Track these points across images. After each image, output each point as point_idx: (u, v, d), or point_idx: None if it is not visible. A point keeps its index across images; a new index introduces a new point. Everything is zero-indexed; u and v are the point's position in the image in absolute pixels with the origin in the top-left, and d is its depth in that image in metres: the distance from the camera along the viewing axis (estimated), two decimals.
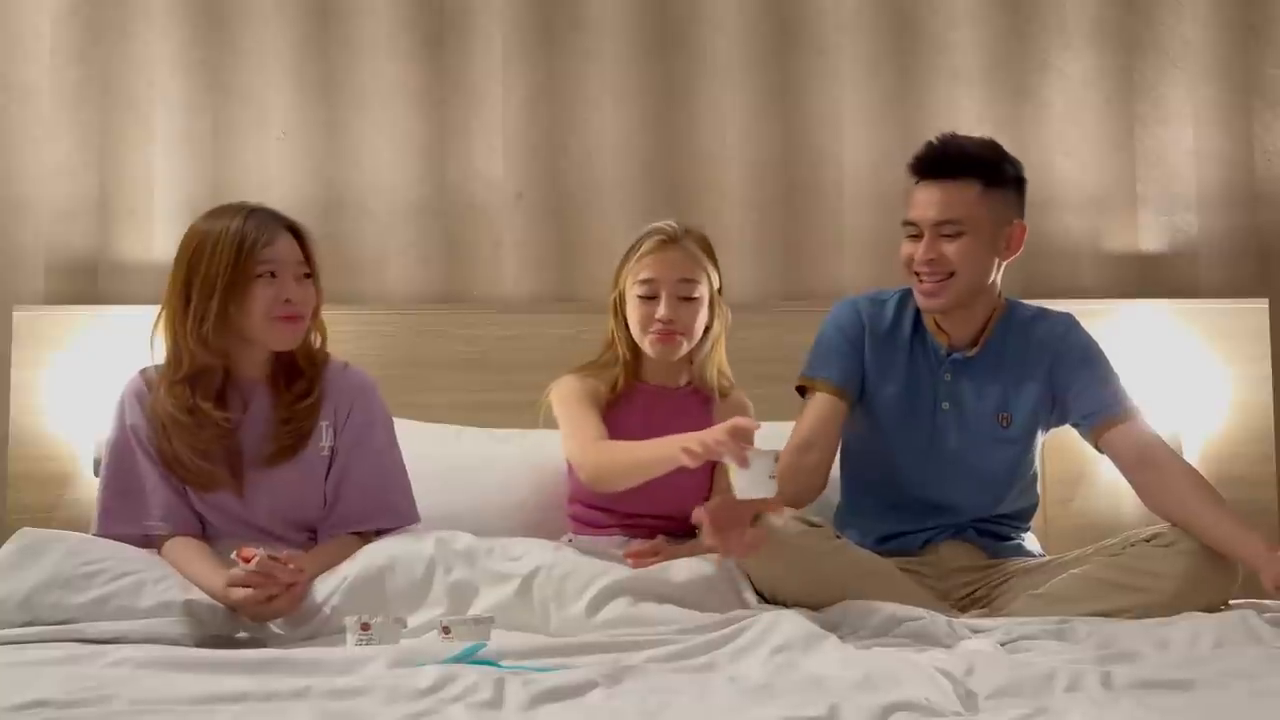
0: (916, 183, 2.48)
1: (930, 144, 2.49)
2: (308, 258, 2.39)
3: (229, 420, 2.33)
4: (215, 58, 3.25)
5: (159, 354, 2.38)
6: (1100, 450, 2.49)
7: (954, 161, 2.45)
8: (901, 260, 2.49)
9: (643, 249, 2.54)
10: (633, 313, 2.54)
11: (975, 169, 2.44)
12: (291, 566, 2.19)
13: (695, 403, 2.61)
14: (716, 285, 2.57)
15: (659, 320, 2.50)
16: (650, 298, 2.51)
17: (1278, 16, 3.40)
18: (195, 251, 2.33)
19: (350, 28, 3.27)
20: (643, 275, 2.52)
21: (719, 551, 2.20)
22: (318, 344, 2.45)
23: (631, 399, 2.58)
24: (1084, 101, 3.36)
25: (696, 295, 2.52)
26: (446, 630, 2.02)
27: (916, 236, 2.46)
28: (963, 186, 2.43)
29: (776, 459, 2.11)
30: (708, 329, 2.58)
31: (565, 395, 2.54)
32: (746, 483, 2.10)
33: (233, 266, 2.30)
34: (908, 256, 2.47)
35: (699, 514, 2.17)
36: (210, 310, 2.30)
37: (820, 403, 2.51)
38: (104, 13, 3.23)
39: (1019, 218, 2.50)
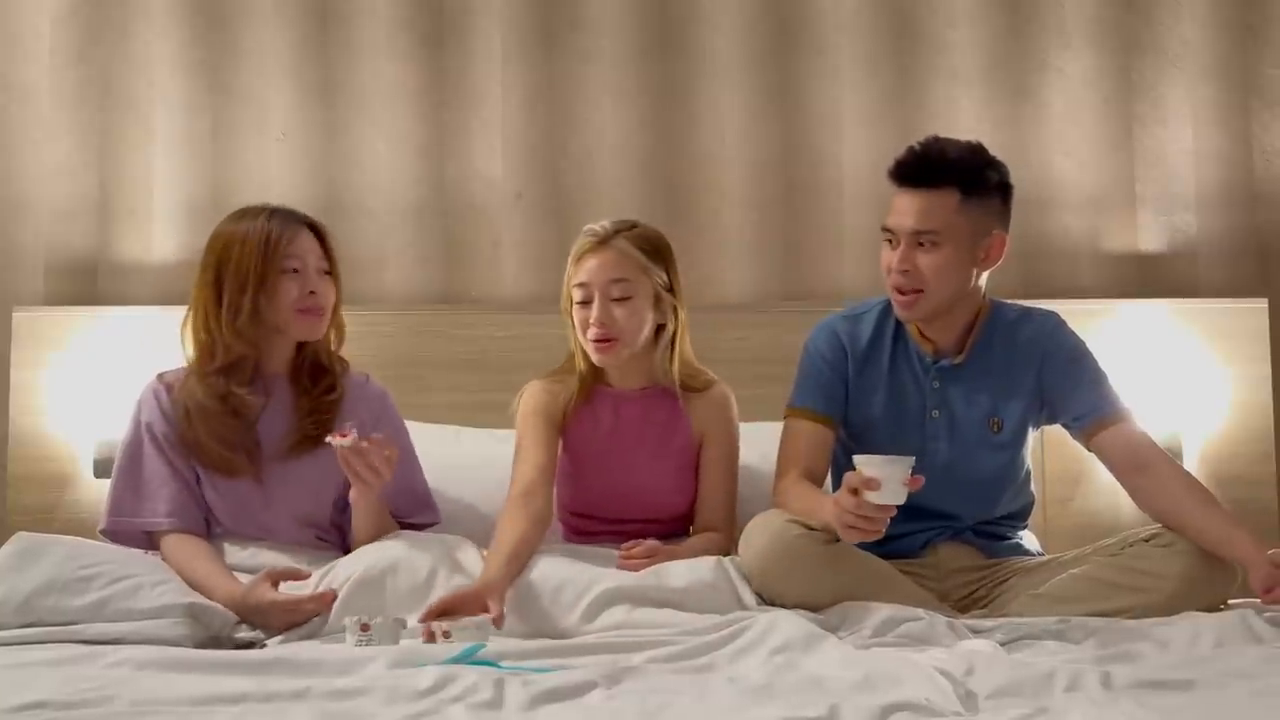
0: (896, 188, 2.44)
1: (911, 149, 2.44)
2: (327, 254, 2.50)
3: (261, 406, 2.43)
4: (215, 58, 3.25)
5: (188, 350, 2.47)
6: (1090, 450, 2.49)
7: (933, 169, 2.40)
8: (882, 267, 2.46)
9: (574, 255, 2.50)
10: (574, 318, 2.50)
11: (954, 177, 2.40)
12: (387, 454, 2.29)
13: (663, 403, 2.56)
14: (664, 283, 2.50)
15: (592, 325, 2.45)
16: (585, 302, 2.46)
17: (1276, 16, 3.40)
18: (224, 250, 2.44)
19: (350, 28, 3.27)
20: (577, 280, 2.48)
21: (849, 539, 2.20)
22: (335, 344, 2.54)
23: (596, 404, 2.55)
24: (1083, 101, 3.36)
25: (630, 295, 2.45)
26: (447, 635, 2.02)
27: (894, 243, 2.43)
28: (941, 195, 2.39)
29: (910, 467, 2.14)
30: (662, 328, 2.52)
31: (522, 416, 2.53)
32: (882, 494, 2.13)
33: (262, 262, 2.41)
34: (886, 264, 2.45)
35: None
36: (244, 304, 2.41)
37: (808, 430, 2.49)
38: (104, 13, 3.23)
39: (1001, 227, 2.46)
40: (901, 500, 2.14)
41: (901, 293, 2.43)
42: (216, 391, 2.41)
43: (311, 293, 2.44)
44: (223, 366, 2.42)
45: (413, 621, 2.14)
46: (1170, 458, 2.50)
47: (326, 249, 2.50)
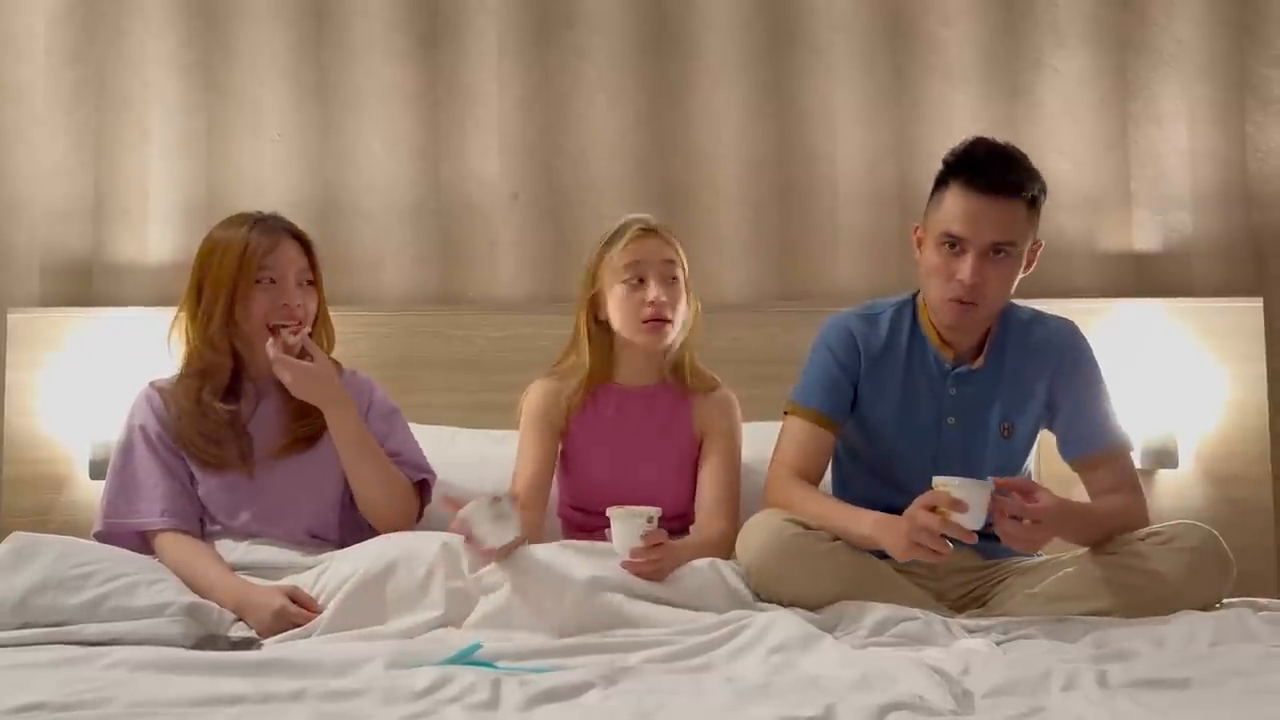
0: (955, 189, 2.34)
1: (983, 153, 2.35)
2: (312, 266, 2.50)
3: (232, 413, 2.45)
4: (210, 59, 3.25)
5: (175, 351, 2.50)
6: (1071, 469, 2.50)
7: (1014, 179, 2.33)
8: (931, 270, 2.38)
9: (625, 239, 2.53)
10: (621, 304, 2.52)
11: (1026, 187, 2.34)
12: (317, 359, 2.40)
13: (669, 400, 2.59)
14: (688, 276, 2.57)
15: (650, 304, 2.48)
16: (639, 283, 2.50)
17: (1271, 16, 3.40)
18: (207, 257, 2.46)
19: (345, 29, 3.27)
20: (627, 261, 2.51)
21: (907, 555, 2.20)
22: (326, 349, 2.53)
23: (602, 400, 2.59)
24: (1078, 100, 3.36)
25: (677, 279, 2.52)
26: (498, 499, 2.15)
27: (959, 251, 2.35)
28: (1016, 204, 2.33)
29: (991, 490, 2.16)
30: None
31: (524, 419, 2.59)
32: (969, 517, 2.15)
33: (236, 272, 2.41)
34: (944, 270, 2.36)
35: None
36: (216, 313, 2.42)
37: (811, 431, 2.47)
38: (99, 13, 3.23)
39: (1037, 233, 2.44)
40: (981, 525, 2.16)
41: (962, 302, 2.37)
42: (193, 396, 2.44)
43: (285, 305, 2.43)
44: (199, 372, 2.46)
45: (409, 621, 2.15)
46: (1135, 493, 2.45)
47: (311, 259, 2.50)
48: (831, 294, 3.23)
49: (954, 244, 2.35)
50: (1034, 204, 2.37)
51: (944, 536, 2.16)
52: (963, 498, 2.14)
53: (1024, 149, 3.21)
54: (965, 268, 2.33)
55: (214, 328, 2.43)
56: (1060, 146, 3.36)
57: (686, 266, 2.57)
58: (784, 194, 3.32)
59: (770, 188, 3.31)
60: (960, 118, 3.30)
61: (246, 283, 2.42)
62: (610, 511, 2.25)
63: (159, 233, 3.21)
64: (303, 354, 2.41)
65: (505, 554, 2.19)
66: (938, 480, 2.18)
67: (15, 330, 3.06)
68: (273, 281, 2.43)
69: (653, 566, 2.22)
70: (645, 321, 2.49)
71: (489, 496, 2.18)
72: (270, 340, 2.38)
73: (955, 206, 2.35)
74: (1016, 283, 2.42)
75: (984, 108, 3.34)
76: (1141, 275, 3.35)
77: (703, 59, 3.32)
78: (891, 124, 3.32)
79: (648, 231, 2.53)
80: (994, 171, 2.33)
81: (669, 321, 2.50)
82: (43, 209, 3.21)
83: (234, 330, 2.44)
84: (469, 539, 2.16)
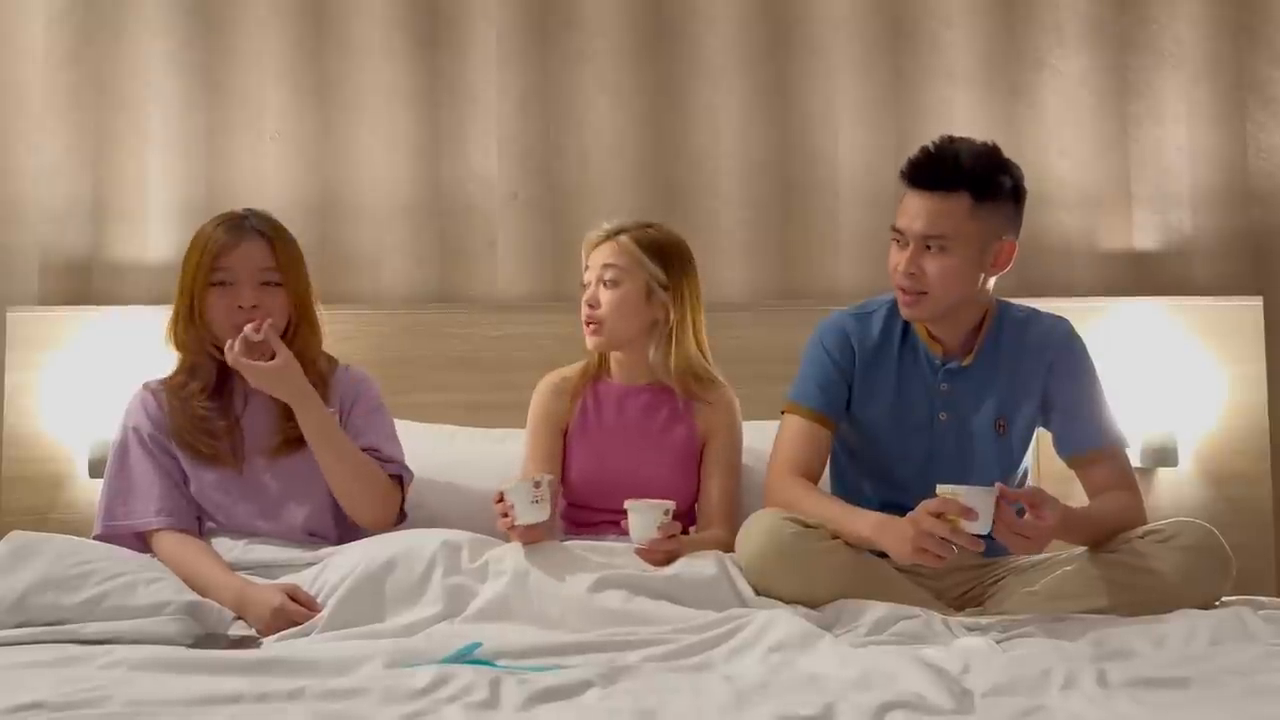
0: (907, 187, 2.43)
1: (925, 150, 2.41)
2: (279, 265, 2.45)
3: (219, 409, 2.45)
4: (210, 59, 3.24)
5: (169, 349, 2.50)
6: (1068, 466, 2.51)
7: (946, 172, 2.37)
8: (889, 266, 2.45)
9: (585, 247, 2.64)
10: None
11: (967, 181, 2.37)
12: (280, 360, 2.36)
13: (666, 400, 2.63)
14: (661, 280, 2.58)
15: (586, 303, 2.58)
16: (583, 286, 2.61)
17: (1271, 16, 3.40)
18: (186, 256, 2.46)
19: (345, 29, 3.27)
20: (584, 268, 2.63)
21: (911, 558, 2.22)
22: (312, 347, 2.51)
23: (601, 396, 2.65)
24: (1078, 100, 3.36)
25: (618, 283, 2.57)
26: (537, 484, 2.27)
27: (902, 244, 2.42)
28: (952, 199, 2.37)
29: (995, 496, 2.16)
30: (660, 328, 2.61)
31: (530, 419, 2.65)
32: (978, 524, 2.16)
33: (194, 272, 2.42)
34: (893, 265, 2.44)
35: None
36: (180, 312, 2.44)
37: (808, 430, 2.48)
38: (98, 14, 3.22)
39: (1011, 233, 2.44)
40: (987, 530, 2.17)
41: (905, 293, 2.42)
42: (180, 394, 2.45)
43: (240, 307, 2.40)
44: (186, 370, 2.47)
45: (407, 618, 2.15)
46: (1131, 490, 2.46)
47: (278, 259, 2.44)
48: (831, 294, 3.23)
49: (899, 238, 2.43)
50: (983, 199, 2.38)
51: (948, 542, 2.17)
52: (973, 505, 2.14)
53: (1025, 149, 3.27)
54: (903, 259, 2.40)
55: (181, 328, 2.44)
56: (1060, 146, 3.36)
57: (662, 274, 2.57)
58: (784, 194, 3.32)
59: (771, 188, 3.31)
60: (961, 118, 3.29)
61: (203, 284, 2.41)
62: (628, 503, 2.33)
63: (159, 232, 3.21)
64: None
65: (533, 535, 2.30)
66: (942, 488, 2.19)
67: (15, 330, 3.06)
68: (228, 284, 2.41)
69: (665, 558, 2.31)
70: (583, 321, 2.59)
71: (533, 478, 2.30)
72: (229, 342, 2.36)
73: (902, 203, 2.43)
74: (979, 279, 2.43)
75: (984, 108, 3.34)
76: (1141, 274, 3.35)
77: (703, 60, 3.32)
78: (892, 124, 3.31)
79: (601, 239, 2.61)
80: (925, 167, 2.40)
81: (597, 323, 2.57)
82: (43, 209, 3.20)
83: (203, 329, 2.43)
84: (505, 514, 2.28)
